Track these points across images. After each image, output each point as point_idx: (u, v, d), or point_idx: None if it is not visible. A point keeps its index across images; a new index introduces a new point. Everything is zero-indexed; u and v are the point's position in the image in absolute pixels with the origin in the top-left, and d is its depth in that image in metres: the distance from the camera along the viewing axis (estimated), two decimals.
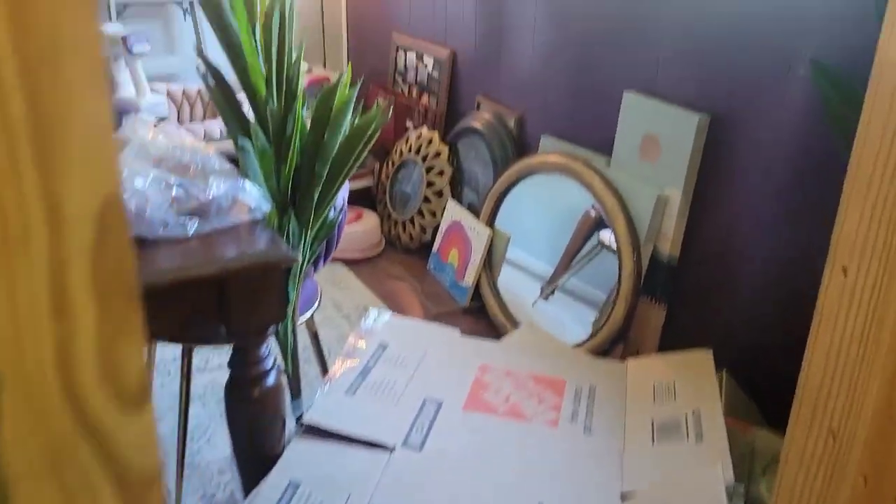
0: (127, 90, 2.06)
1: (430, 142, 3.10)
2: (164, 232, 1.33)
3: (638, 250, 2.18)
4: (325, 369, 2.01)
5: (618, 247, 2.21)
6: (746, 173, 1.99)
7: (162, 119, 2.01)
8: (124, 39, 1.96)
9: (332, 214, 1.69)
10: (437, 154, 3.06)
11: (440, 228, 3.01)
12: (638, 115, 2.22)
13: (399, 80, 3.50)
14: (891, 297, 0.75)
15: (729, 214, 2.06)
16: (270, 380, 1.44)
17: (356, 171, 1.64)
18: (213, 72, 1.41)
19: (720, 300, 2.13)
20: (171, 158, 1.37)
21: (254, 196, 1.42)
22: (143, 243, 1.32)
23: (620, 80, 2.32)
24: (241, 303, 1.31)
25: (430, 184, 3.07)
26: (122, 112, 1.98)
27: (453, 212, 2.93)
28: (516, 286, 2.61)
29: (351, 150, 1.51)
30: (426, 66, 3.29)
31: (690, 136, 2.05)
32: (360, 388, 1.70)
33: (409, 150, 3.19)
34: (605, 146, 2.38)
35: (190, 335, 1.47)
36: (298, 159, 1.52)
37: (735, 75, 1.96)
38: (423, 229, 3.10)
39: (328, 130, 1.49)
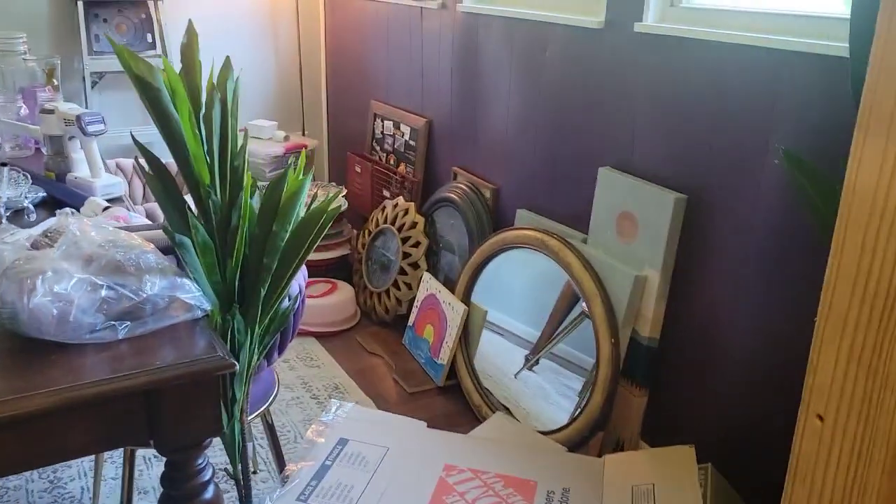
0: (82, 171, 1.98)
1: (406, 212, 3.03)
2: (91, 337, 1.23)
3: (616, 334, 2.08)
4: (281, 464, 1.88)
5: (594, 330, 2.11)
6: (726, 254, 1.90)
7: (116, 199, 1.92)
8: (78, 119, 1.88)
9: (285, 304, 1.59)
10: (414, 225, 2.98)
11: (416, 301, 2.91)
12: (614, 191, 2.14)
13: (377, 147, 3.44)
14: (874, 456, 0.65)
15: (709, 296, 1.97)
16: (208, 493, 1.32)
17: (314, 251, 1.55)
18: (149, 158, 1.32)
19: (703, 384, 2.02)
20: (104, 256, 1.27)
21: (193, 294, 1.32)
22: (67, 349, 1.21)
23: (596, 155, 2.26)
24: (172, 415, 1.20)
25: (405, 255, 2.98)
26: (78, 195, 1.89)
27: (429, 285, 2.84)
28: (498, 354, 2.47)
29: (301, 241, 1.42)
30: (403, 134, 3.23)
31: (668, 215, 1.97)
32: (313, 493, 1.58)
33: (386, 220, 3.11)
34: (581, 222, 2.30)
35: (117, 445, 1.35)
36: (246, 251, 1.43)
37: (713, 154, 1.90)
38: (399, 302, 3.00)
39: (276, 221, 1.40)
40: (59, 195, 1.90)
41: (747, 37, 1.76)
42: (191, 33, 1.36)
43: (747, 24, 1.84)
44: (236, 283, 1.44)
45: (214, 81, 1.32)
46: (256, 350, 1.52)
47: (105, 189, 1.93)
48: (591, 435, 2.14)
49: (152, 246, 1.34)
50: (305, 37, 3.83)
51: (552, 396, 2.24)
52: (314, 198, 1.52)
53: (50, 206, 1.95)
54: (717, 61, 1.84)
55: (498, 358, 2.47)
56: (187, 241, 1.31)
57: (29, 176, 1.73)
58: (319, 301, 3.04)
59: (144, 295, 1.26)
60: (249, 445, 2.28)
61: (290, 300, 1.62)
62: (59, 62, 2.55)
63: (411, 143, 3.18)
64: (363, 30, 3.47)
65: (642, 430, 2.16)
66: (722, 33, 1.82)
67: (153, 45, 3.48)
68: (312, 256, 3.27)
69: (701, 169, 1.94)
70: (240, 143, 1.36)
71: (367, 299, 3.18)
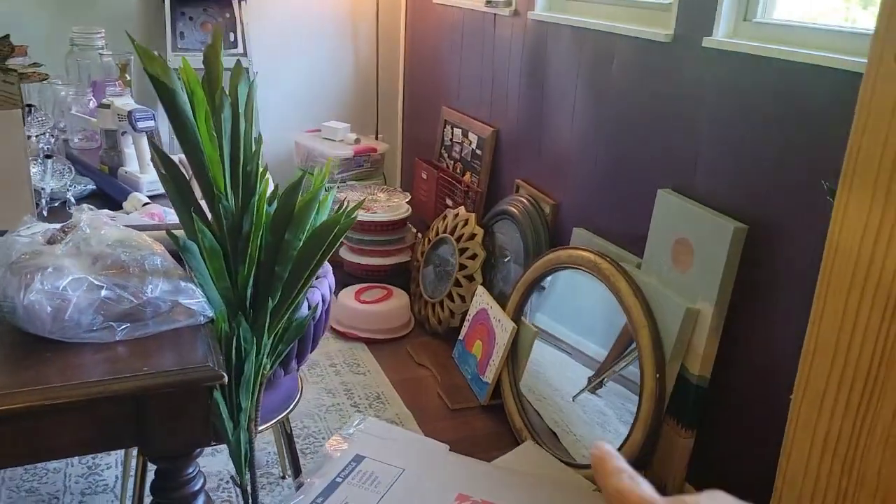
0: (132, 165, 2.01)
1: (465, 222, 2.96)
2: (88, 336, 1.22)
3: (662, 368, 1.94)
4: (297, 472, 1.85)
5: (640, 362, 1.98)
6: (788, 292, 1.74)
7: (161, 195, 1.94)
8: (130, 114, 1.91)
9: (303, 313, 1.55)
10: (472, 236, 2.91)
11: (468, 314, 2.83)
12: (671, 215, 2.01)
13: (445, 155, 3.39)
14: None
15: (767, 335, 1.81)
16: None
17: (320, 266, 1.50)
18: (163, 159, 1.30)
19: (756, 430, 1.86)
20: (109, 256, 1.26)
21: (196, 300, 1.29)
22: (64, 347, 1.20)
23: (656, 175, 2.12)
24: (159, 423, 1.17)
25: (462, 266, 2.91)
26: (124, 189, 1.92)
27: (481, 299, 2.76)
28: (559, 373, 2.30)
29: (314, 251, 1.37)
30: (471, 142, 3.17)
31: (725, 245, 1.83)
32: None
33: (446, 230, 3.05)
34: (638, 245, 2.17)
35: (105, 448, 1.34)
36: (261, 258, 1.40)
37: (780, 183, 1.74)
38: (452, 314, 2.93)
39: (289, 230, 1.36)
40: (107, 188, 1.94)
41: (826, 57, 1.61)
42: (216, 35, 1.34)
43: (827, 42, 1.68)
44: (248, 291, 1.41)
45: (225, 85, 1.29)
46: (268, 359, 1.48)
47: (151, 185, 1.95)
48: None
49: (162, 248, 1.33)
50: (384, 39, 3.82)
51: (611, 423, 2.10)
52: (341, 205, 1.47)
53: (100, 198, 1.99)
54: (791, 82, 1.69)
55: (557, 377, 2.34)
56: (192, 245, 1.28)
57: (72, 168, 1.76)
58: (373, 307, 3.01)
59: (145, 297, 1.25)
60: (273, 452, 2.27)
61: (309, 309, 1.59)
62: (132, 58, 2.61)
63: (478, 152, 3.11)
64: (439, 34, 3.43)
65: (688, 474, 2.01)
66: (798, 52, 1.66)
67: (235, 44, 3.55)
68: (370, 261, 3.26)
69: (765, 198, 1.78)
70: (254, 148, 1.32)
71: (422, 308, 3.13)
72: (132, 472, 2.17)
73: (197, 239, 1.30)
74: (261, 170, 1.35)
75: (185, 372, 1.17)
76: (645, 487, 0.38)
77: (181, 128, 1.29)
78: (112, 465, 2.21)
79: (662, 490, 2.00)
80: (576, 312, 2.34)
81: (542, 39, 2.63)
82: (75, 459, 2.22)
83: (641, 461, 1.98)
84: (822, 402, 0.54)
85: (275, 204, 1.41)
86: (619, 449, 2.00)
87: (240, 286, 1.41)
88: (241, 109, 1.28)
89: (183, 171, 1.40)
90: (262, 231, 1.38)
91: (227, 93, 1.26)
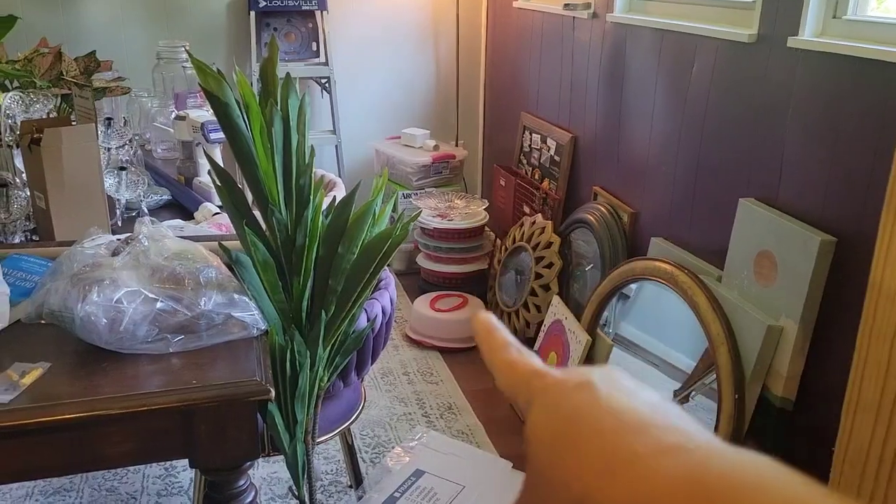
0: (206, 176, 2.06)
1: (542, 230, 2.89)
2: (143, 348, 1.24)
3: (741, 388, 1.83)
4: (358, 482, 1.84)
5: (717, 380, 1.87)
6: None
7: None
8: (203, 126, 1.95)
9: (362, 325, 1.53)
10: (549, 245, 2.84)
11: (544, 325, 2.77)
12: (754, 227, 1.89)
13: (524, 161, 3.33)
14: None
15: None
16: None
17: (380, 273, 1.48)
18: (218, 171, 1.31)
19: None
20: (165, 268, 1.28)
21: (250, 313, 1.30)
22: (121, 357, 1.23)
23: (739, 184, 2.01)
24: (206, 436, 1.18)
25: (538, 276, 2.85)
26: (197, 199, 1.97)
27: (556, 309, 2.69)
28: (644, 383, 2.21)
29: (367, 264, 1.35)
30: (549, 148, 3.10)
31: (811, 259, 1.70)
32: None
33: (523, 238, 3.00)
34: (718, 258, 2.06)
35: (154, 459, 1.36)
36: (315, 271, 1.39)
37: (872, 193, 1.61)
38: (528, 324, 2.87)
39: (342, 243, 1.35)
40: (181, 198, 1.99)
41: None
42: (272, 48, 1.34)
43: None
44: (303, 303, 1.40)
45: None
46: (325, 371, 1.48)
47: None
48: None
49: (218, 261, 1.34)
50: (465, 45, 3.79)
51: None
52: (399, 217, 1.45)
53: (175, 208, 2.04)
54: (886, 84, 1.56)
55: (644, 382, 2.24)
56: (245, 258, 1.29)
57: (147, 179, 1.81)
58: (447, 316, 2.99)
59: (199, 310, 1.26)
60: (341, 460, 2.27)
61: (368, 321, 1.57)
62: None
63: (556, 158, 3.04)
64: (519, 39, 3.38)
65: None
66: (894, 52, 1.53)
67: (317, 54, 3.61)
68: (448, 269, 3.24)
69: (856, 209, 1.65)
70: (306, 160, 1.32)
71: (498, 317, 3.07)
72: None
73: (251, 251, 1.30)
74: (314, 181, 1.34)
75: (232, 386, 1.17)
76: (535, 359, 0.35)
77: (235, 140, 1.29)
78: (187, 467, 2.27)
79: None
80: (662, 322, 2.23)
81: (621, 42, 2.55)
82: None
83: None
84: (866, 461, 0.47)
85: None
86: None
87: (294, 299, 1.40)
88: (294, 122, 1.28)
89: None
90: (317, 244, 1.37)
91: (279, 106, 1.25)
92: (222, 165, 2.05)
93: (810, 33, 1.75)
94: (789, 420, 1.82)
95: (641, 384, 0.33)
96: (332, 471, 2.26)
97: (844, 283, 1.68)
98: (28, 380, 1.15)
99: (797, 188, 1.81)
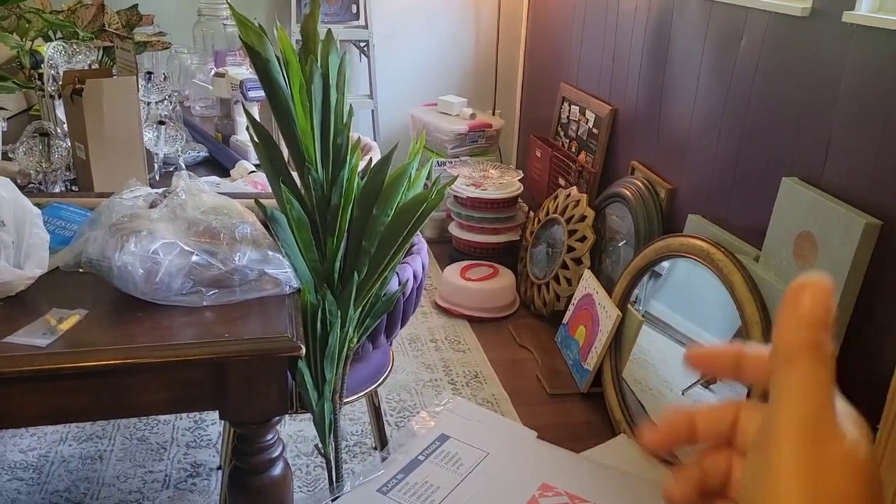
0: (244, 134, 2.06)
1: (577, 203, 2.86)
2: (178, 300, 1.25)
3: None
4: (383, 444, 1.86)
5: None
6: None
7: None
8: (242, 84, 1.95)
9: (393, 288, 1.54)
10: (583, 218, 2.81)
11: (574, 298, 2.75)
12: (795, 207, 1.85)
13: (561, 132, 3.29)
14: None
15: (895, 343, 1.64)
16: (275, 471, 1.31)
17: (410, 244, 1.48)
18: (256, 128, 1.31)
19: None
20: (201, 222, 1.28)
21: (283, 270, 1.30)
22: (156, 308, 1.24)
23: (782, 163, 1.96)
24: (237, 389, 1.19)
25: (570, 248, 2.83)
26: (234, 157, 1.97)
27: (588, 283, 2.67)
28: (672, 365, 2.19)
29: (401, 227, 1.35)
30: (588, 121, 3.06)
31: (854, 242, 1.66)
32: (396, 487, 1.52)
33: (556, 210, 2.97)
34: (756, 236, 2.02)
35: (186, 409, 1.38)
36: (350, 231, 1.39)
37: None
38: (558, 297, 2.86)
39: (377, 205, 1.34)
40: (218, 155, 1.99)
41: None
42: (314, 4, 1.32)
43: None
44: (336, 264, 1.41)
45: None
46: (354, 332, 1.48)
47: None
48: None
49: (253, 217, 1.34)
50: (506, 13, 3.74)
51: None
52: (435, 181, 1.44)
53: (211, 165, 2.05)
54: None
55: (668, 369, 2.22)
56: (280, 215, 1.29)
57: (184, 135, 1.82)
58: (477, 285, 2.98)
59: (233, 265, 1.26)
60: (367, 422, 2.29)
61: (399, 285, 1.57)
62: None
63: (594, 131, 3.00)
64: (561, 8, 3.32)
65: None
66: None
67: (357, 16, 3.58)
68: (480, 239, 3.22)
69: None
70: (344, 120, 1.31)
71: (528, 289, 3.07)
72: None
73: (286, 209, 1.30)
74: (351, 143, 1.33)
75: (263, 341, 1.18)
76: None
77: (274, 97, 1.29)
78: (216, 420, 2.31)
79: None
80: (693, 301, 2.20)
81: (667, 12, 2.48)
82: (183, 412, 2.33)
83: None
84: None
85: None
86: None
87: (327, 259, 1.40)
88: (333, 80, 1.27)
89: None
90: (352, 204, 1.37)
91: (319, 63, 1.24)
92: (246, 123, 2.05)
93: (867, 7, 1.69)
94: None
95: None
96: (357, 432, 2.28)
97: (887, 269, 1.64)
98: (65, 325, 1.17)
99: (843, 169, 1.76)
